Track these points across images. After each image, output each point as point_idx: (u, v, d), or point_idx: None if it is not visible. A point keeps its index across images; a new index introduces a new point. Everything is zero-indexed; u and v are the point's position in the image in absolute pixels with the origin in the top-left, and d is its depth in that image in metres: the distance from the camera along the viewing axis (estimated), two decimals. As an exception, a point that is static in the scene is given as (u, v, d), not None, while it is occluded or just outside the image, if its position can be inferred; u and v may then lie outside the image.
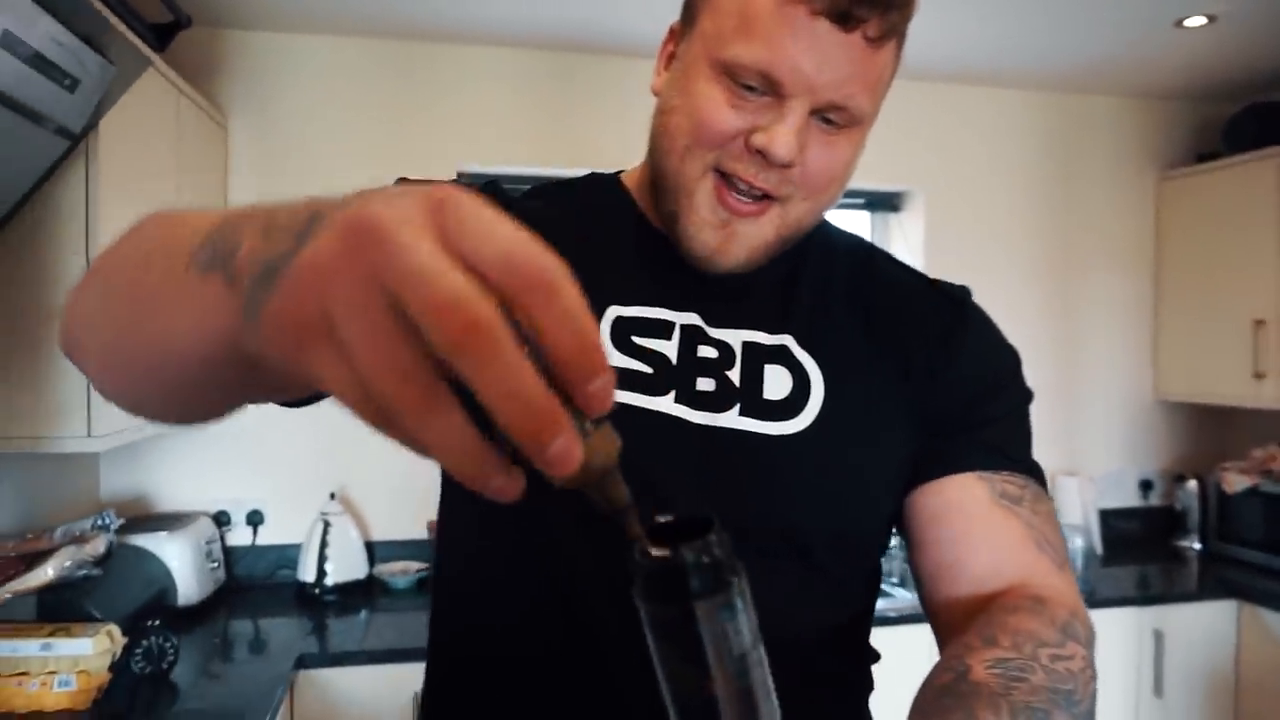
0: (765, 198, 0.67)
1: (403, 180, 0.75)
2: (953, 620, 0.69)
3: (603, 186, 0.81)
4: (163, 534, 2.17)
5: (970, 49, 2.61)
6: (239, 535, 2.48)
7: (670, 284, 0.73)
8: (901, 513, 0.74)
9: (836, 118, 0.66)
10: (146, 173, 1.82)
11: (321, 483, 2.50)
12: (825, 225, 0.79)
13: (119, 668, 1.73)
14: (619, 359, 0.69)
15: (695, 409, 0.69)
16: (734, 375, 0.71)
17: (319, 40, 2.51)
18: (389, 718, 1.97)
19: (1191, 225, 3.00)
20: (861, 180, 3.15)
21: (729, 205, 0.67)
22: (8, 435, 1.55)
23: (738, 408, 0.70)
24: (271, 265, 0.35)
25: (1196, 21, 2.34)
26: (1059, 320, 3.08)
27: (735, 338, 0.72)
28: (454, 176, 2.59)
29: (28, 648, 1.62)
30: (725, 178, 0.67)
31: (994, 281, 3.00)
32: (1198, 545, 2.92)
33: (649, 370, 0.69)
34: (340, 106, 2.53)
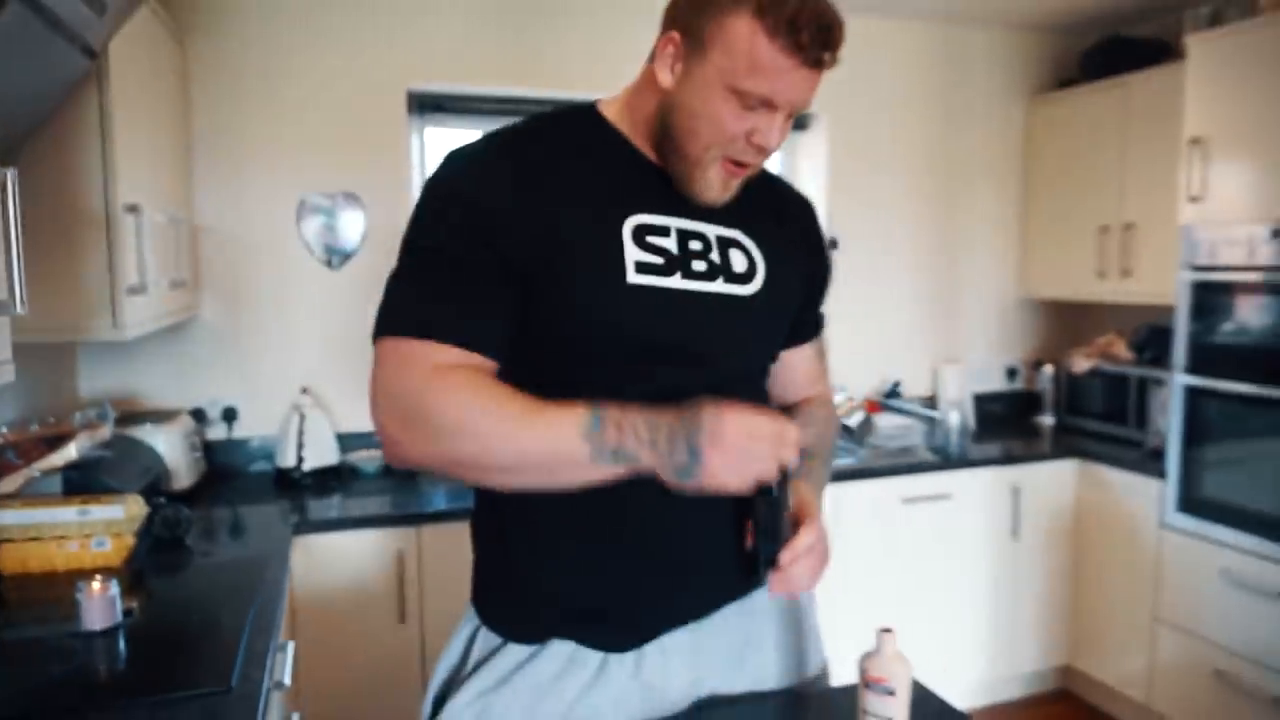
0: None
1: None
2: (781, 403, 1.27)
3: (591, 124, 1.08)
4: (151, 425, 2.37)
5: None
6: (215, 430, 2.69)
7: (661, 198, 1.05)
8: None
9: (795, 117, 1.01)
10: (140, 90, 1.98)
11: (288, 381, 2.72)
12: None
13: (141, 533, 1.97)
14: (640, 254, 1.00)
15: (694, 281, 1.04)
16: (714, 257, 1.06)
17: (268, -39, 2.62)
18: (376, 571, 2.27)
19: (1054, 144, 3.44)
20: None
21: (732, 173, 1.02)
22: (43, 327, 1.73)
23: (721, 278, 1.06)
24: (686, 467, 0.91)
25: (1058, -36, 2.71)
26: (942, 228, 3.51)
27: (710, 231, 1.07)
28: (403, 95, 2.78)
29: (66, 514, 1.84)
30: (729, 160, 1.01)
31: (886, 194, 3.40)
32: (1051, 420, 3.45)
33: (660, 260, 1.02)
34: (292, 27, 2.66)
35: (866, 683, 1.04)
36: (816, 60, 0.94)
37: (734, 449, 0.89)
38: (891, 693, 1.01)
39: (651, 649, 1.07)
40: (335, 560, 2.26)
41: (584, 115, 1.09)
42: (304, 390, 2.69)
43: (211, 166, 2.64)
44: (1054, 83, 3.52)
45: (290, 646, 1.75)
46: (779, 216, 1.17)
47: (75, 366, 2.53)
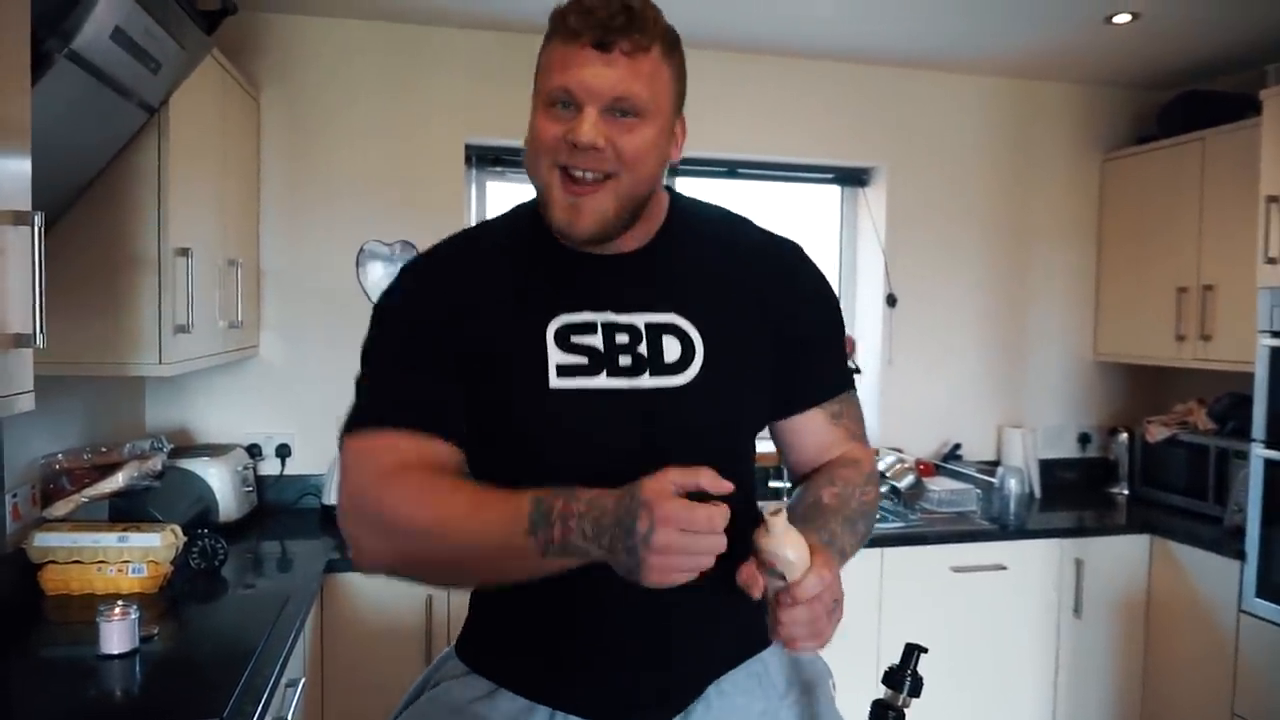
0: (603, 180, 0.96)
1: None
2: (802, 475, 1.16)
3: (526, 222, 1.08)
4: (205, 459, 2.48)
5: (929, 37, 2.89)
6: (269, 466, 2.79)
7: (588, 293, 1.04)
8: (772, 428, 1.16)
9: (625, 108, 0.95)
10: (203, 141, 2.11)
11: (340, 421, 2.80)
12: (694, 204, 1.15)
13: (179, 563, 2.05)
14: (563, 356, 1.00)
15: (620, 378, 1.01)
16: (643, 349, 1.03)
17: (340, 23, 2.78)
18: (406, 615, 2.30)
19: (1130, 202, 3.30)
20: (831, 157, 3.44)
21: (570, 189, 0.97)
22: (93, 360, 1.84)
23: (648, 371, 1.02)
24: (630, 570, 0.83)
25: (1123, 19, 2.63)
26: (1010, 287, 3.39)
27: (640, 320, 1.03)
28: (462, 148, 2.88)
29: (107, 539, 1.93)
30: (564, 171, 0.97)
31: (950, 250, 3.31)
32: (1126, 491, 3.25)
33: (585, 360, 1.01)
34: (359, 83, 2.80)
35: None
36: (599, 42, 0.93)
37: (670, 547, 0.81)
38: (782, 578, 0.87)
39: None
40: (366, 599, 2.29)
41: (524, 212, 1.11)
42: (353, 430, 2.76)
43: (278, 212, 2.78)
44: (1130, 138, 3.39)
45: (301, 683, 1.78)
46: (740, 278, 1.09)
47: (143, 399, 2.67)
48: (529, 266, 1.06)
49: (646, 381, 1.02)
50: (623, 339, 1.03)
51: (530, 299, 1.04)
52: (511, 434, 1.02)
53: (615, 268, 1.05)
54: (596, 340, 1.02)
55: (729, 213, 1.18)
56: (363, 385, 1.05)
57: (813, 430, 1.13)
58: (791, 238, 1.16)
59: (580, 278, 1.05)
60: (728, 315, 1.07)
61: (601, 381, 1.01)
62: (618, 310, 1.04)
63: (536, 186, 1.01)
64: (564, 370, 1.00)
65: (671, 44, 0.99)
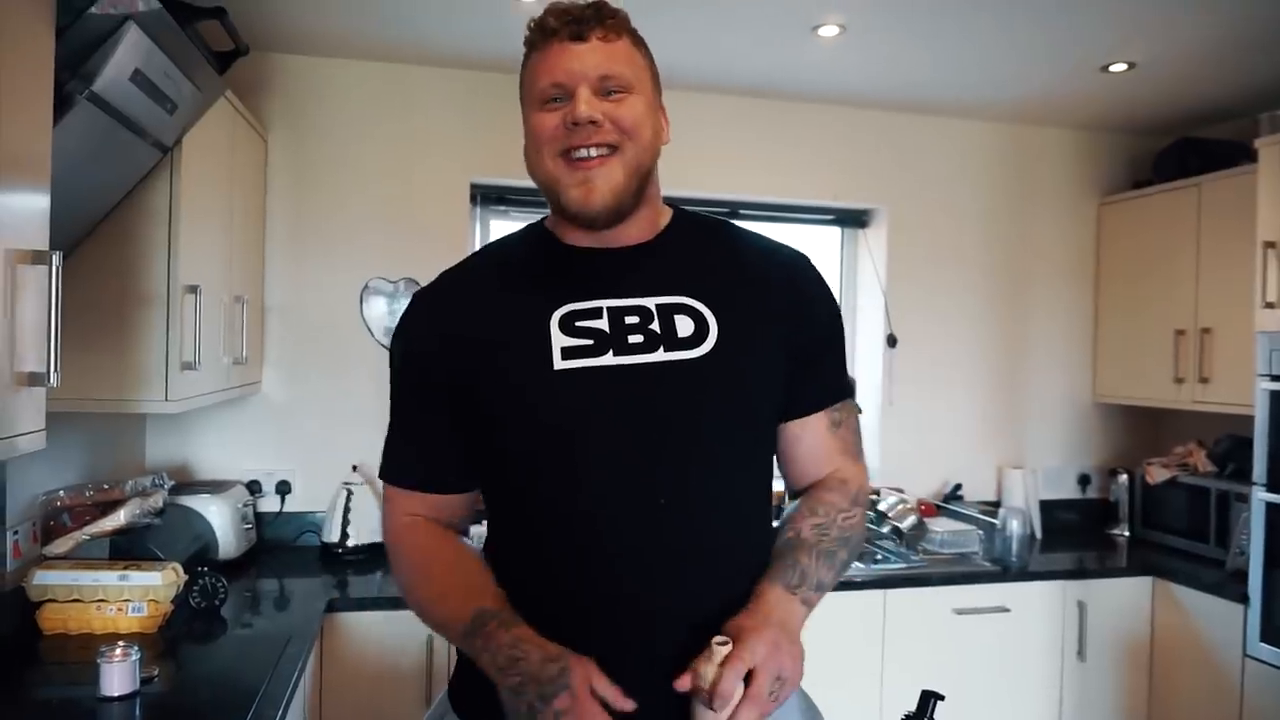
0: (608, 154, 1.01)
1: None
2: (798, 488, 1.16)
3: (533, 234, 1.15)
4: (205, 496, 2.46)
5: (929, 82, 2.94)
6: (268, 503, 2.77)
7: (594, 280, 1.06)
8: (775, 433, 1.14)
9: (611, 86, 1.01)
10: (213, 179, 2.13)
11: (342, 458, 2.79)
12: (698, 213, 1.19)
13: (179, 601, 2.03)
14: (567, 340, 1.02)
15: (630, 355, 1.02)
16: (655, 327, 1.03)
17: (348, 64, 2.82)
18: (408, 655, 2.27)
19: (1127, 246, 3.34)
20: (831, 198, 3.46)
21: (577, 165, 1.01)
22: (99, 397, 1.84)
23: (663, 347, 1.03)
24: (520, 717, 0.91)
25: (1119, 68, 2.69)
26: (1009, 328, 3.42)
27: (649, 302, 1.05)
28: (467, 187, 2.91)
29: (107, 578, 1.91)
30: (567, 155, 1.01)
31: (949, 292, 3.34)
32: (1126, 532, 3.25)
33: (590, 342, 1.02)
34: (365, 123, 2.84)
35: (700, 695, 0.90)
36: (575, 34, 1.01)
37: None
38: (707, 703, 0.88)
39: None
40: (367, 640, 2.26)
41: (531, 228, 1.18)
42: (354, 468, 2.75)
43: (284, 249, 2.79)
44: (1126, 183, 3.44)
45: (302, 726, 1.75)
46: (746, 276, 1.11)
47: (144, 435, 2.66)
48: (534, 267, 1.11)
49: (660, 355, 1.02)
50: (632, 320, 1.04)
51: (535, 294, 1.07)
52: (522, 425, 1.03)
53: (621, 259, 1.07)
54: (602, 323, 1.03)
55: (734, 224, 1.21)
56: (390, 424, 1.15)
57: (812, 439, 1.13)
58: (798, 248, 1.18)
59: (585, 270, 1.08)
60: (738, 302, 1.07)
61: (608, 360, 1.01)
62: (624, 295, 1.05)
63: (545, 182, 1.05)
64: (569, 352, 1.02)
65: (637, 38, 1.07)
